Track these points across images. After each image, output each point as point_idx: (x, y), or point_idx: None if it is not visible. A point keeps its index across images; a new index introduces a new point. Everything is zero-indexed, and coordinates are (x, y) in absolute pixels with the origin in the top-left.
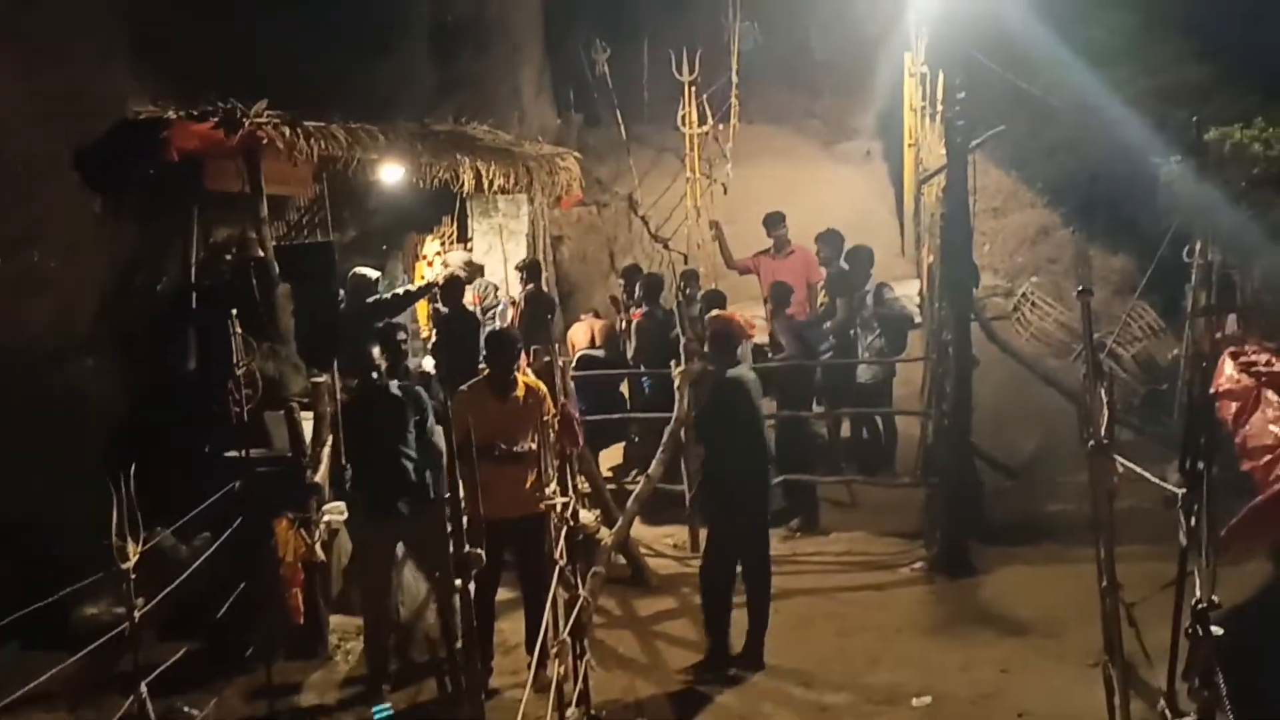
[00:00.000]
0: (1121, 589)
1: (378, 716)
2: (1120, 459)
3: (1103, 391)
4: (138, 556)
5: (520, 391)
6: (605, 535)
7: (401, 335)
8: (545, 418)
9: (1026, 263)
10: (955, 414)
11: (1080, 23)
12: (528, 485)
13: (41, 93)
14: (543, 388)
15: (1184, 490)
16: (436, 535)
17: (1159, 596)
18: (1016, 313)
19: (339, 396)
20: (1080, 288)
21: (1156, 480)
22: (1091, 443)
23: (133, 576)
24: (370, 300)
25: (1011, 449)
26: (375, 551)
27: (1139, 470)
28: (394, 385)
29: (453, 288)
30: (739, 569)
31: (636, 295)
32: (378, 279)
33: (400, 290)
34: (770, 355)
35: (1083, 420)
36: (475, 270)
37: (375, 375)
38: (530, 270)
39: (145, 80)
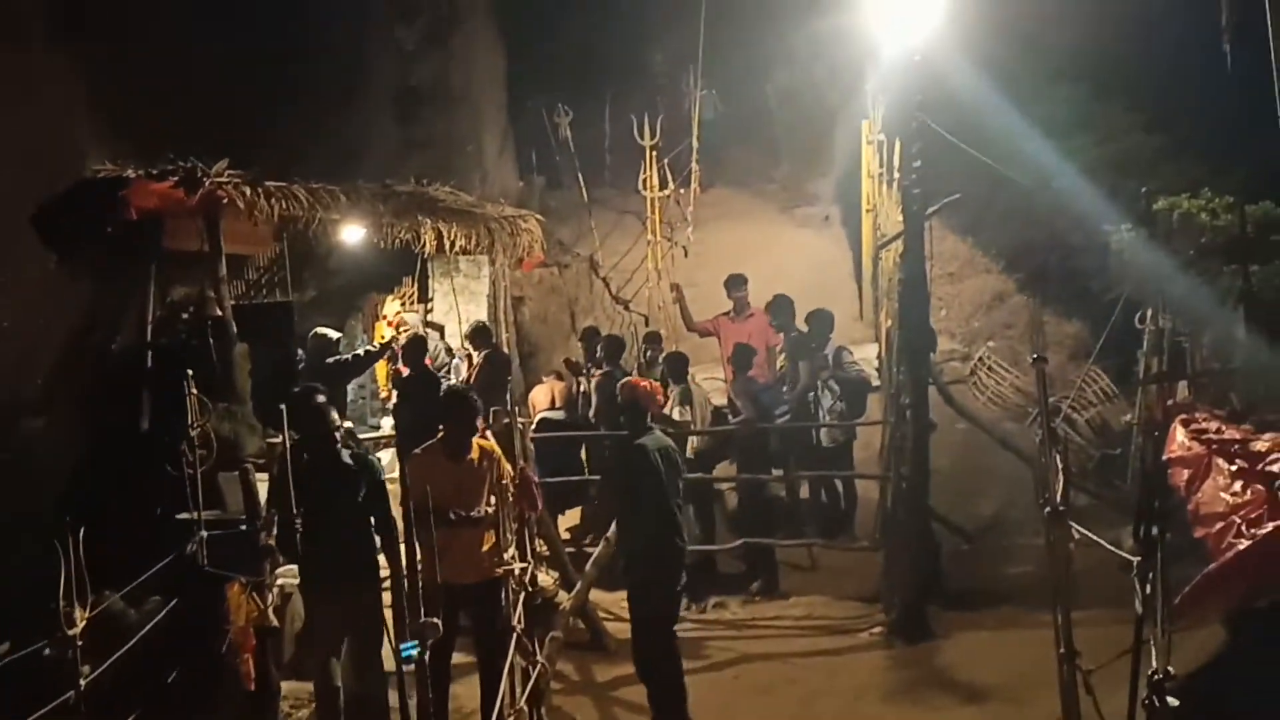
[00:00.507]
0: (1079, 656)
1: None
2: (1076, 525)
3: (1058, 457)
4: (85, 622)
5: (475, 454)
6: (564, 599)
7: (321, 398)
8: (502, 480)
9: (982, 327)
10: (913, 477)
11: (1034, 93)
12: (484, 549)
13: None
14: (497, 449)
15: (1139, 558)
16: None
17: (1116, 663)
18: (973, 377)
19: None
20: (1035, 354)
21: (1111, 547)
22: (1048, 508)
23: (79, 643)
24: (330, 361)
25: (969, 512)
26: (324, 621)
27: (1094, 537)
28: (346, 454)
29: (414, 348)
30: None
31: (596, 356)
32: (338, 339)
33: (360, 351)
34: (730, 418)
35: (1039, 484)
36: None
37: (325, 440)
38: (478, 335)
39: (105, 139)
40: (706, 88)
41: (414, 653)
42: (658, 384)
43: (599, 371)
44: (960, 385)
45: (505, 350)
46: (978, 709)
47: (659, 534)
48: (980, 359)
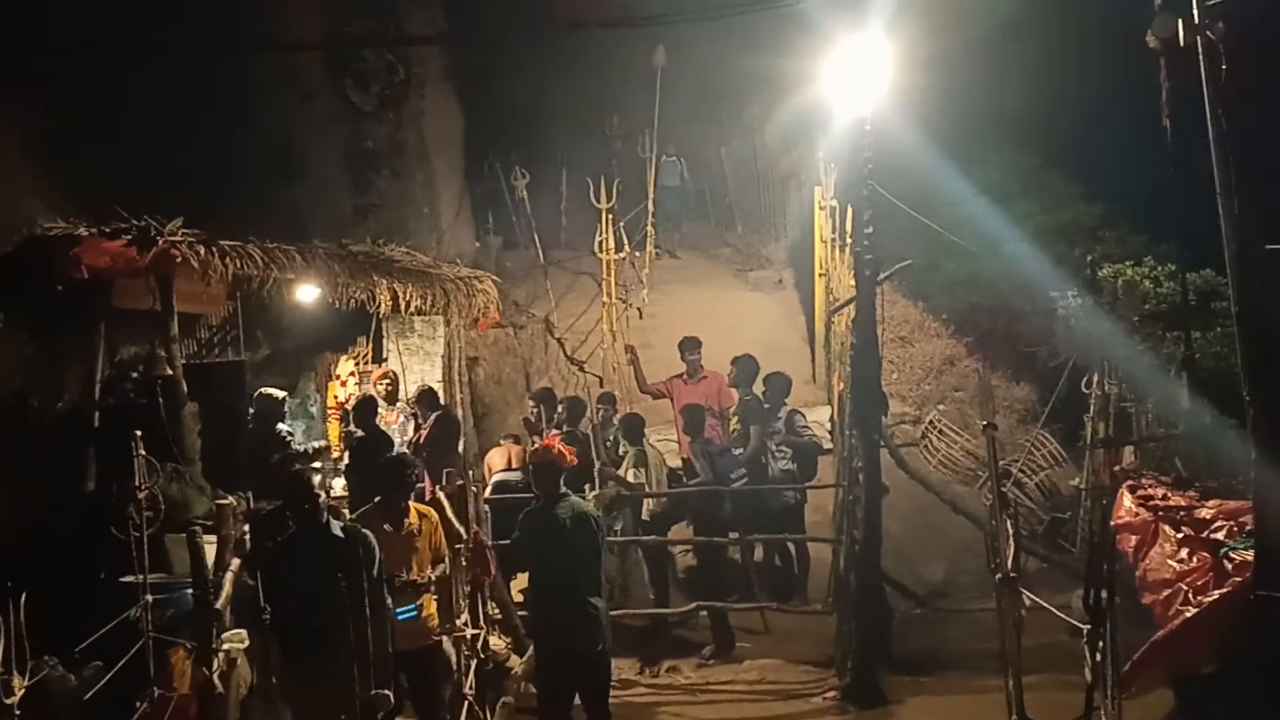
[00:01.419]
0: None
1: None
2: (1026, 592)
3: (1009, 522)
4: (23, 690)
5: (413, 519)
6: (515, 663)
7: (302, 467)
8: (442, 545)
9: (933, 391)
10: (866, 540)
11: (981, 160)
12: (421, 616)
13: None
14: (433, 514)
15: (1088, 626)
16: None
17: None
18: (924, 440)
19: (250, 521)
20: (985, 421)
21: (1062, 614)
22: (999, 574)
23: (17, 713)
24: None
25: (919, 576)
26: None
27: (1044, 604)
28: (336, 526)
29: (365, 409)
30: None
31: (555, 418)
32: (284, 399)
33: (310, 447)
34: (685, 480)
35: (990, 548)
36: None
37: (311, 510)
38: (425, 399)
39: (55, 199)
40: (671, 154)
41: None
42: (571, 448)
43: (557, 432)
44: (911, 448)
45: (457, 412)
46: None
47: (566, 594)
48: (931, 422)
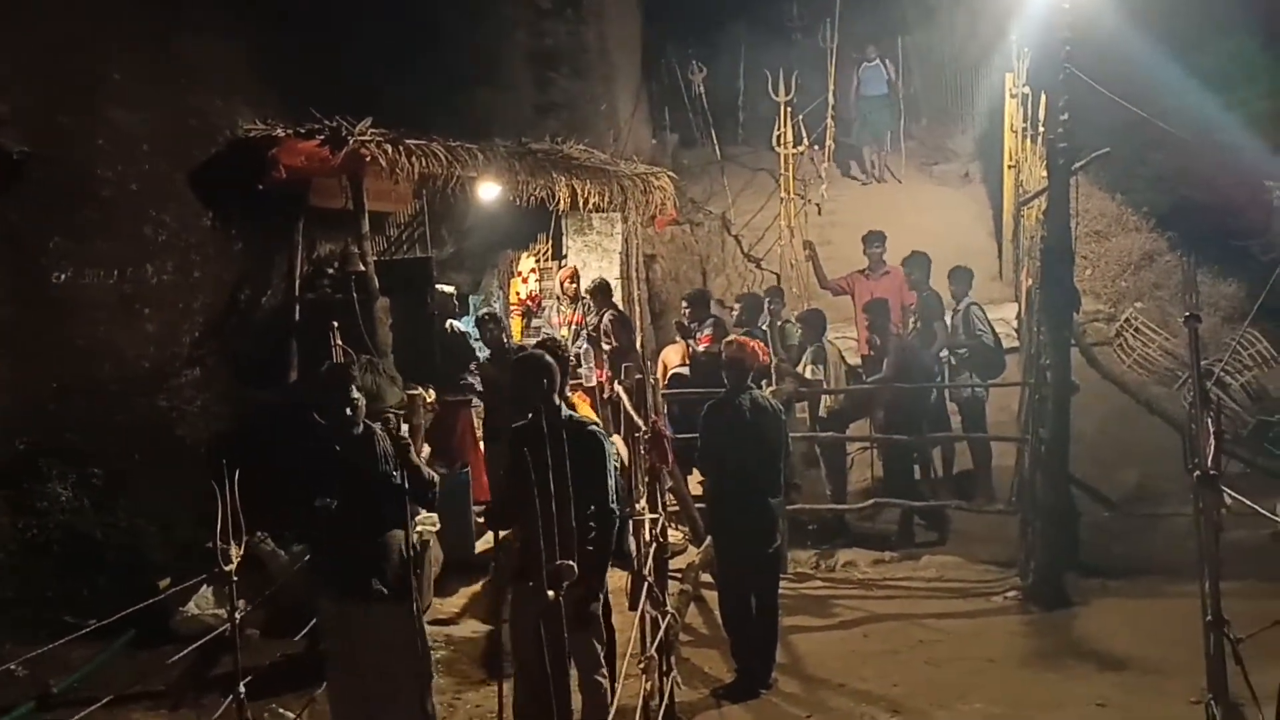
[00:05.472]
0: (1227, 625)
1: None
2: (1228, 490)
3: (1210, 420)
4: (239, 560)
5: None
6: (693, 554)
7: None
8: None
9: (1130, 288)
10: (1053, 441)
11: (1195, 45)
12: None
13: (160, 118)
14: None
15: None
16: None
17: (1267, 634)
18: (1119, 339)
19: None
20: (1188, 313)
21: (1266, 514)
22: (1198, 473)
23: (235, 579)
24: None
25: (1112, 480)
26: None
27: (1248, 503)
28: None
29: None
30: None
31: (707, 318)
32: (452, 294)
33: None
34: (865, 376)
35: (1189, 451)
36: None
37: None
38: (599, 292)
39: (254, 100)
40: (873, 57)
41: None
42: (764, 345)
43: (706, 334)
44: (1105, 347)
45: (634, 308)
46: (1117, 677)
47: (755, 487)
48: (1126, 320)
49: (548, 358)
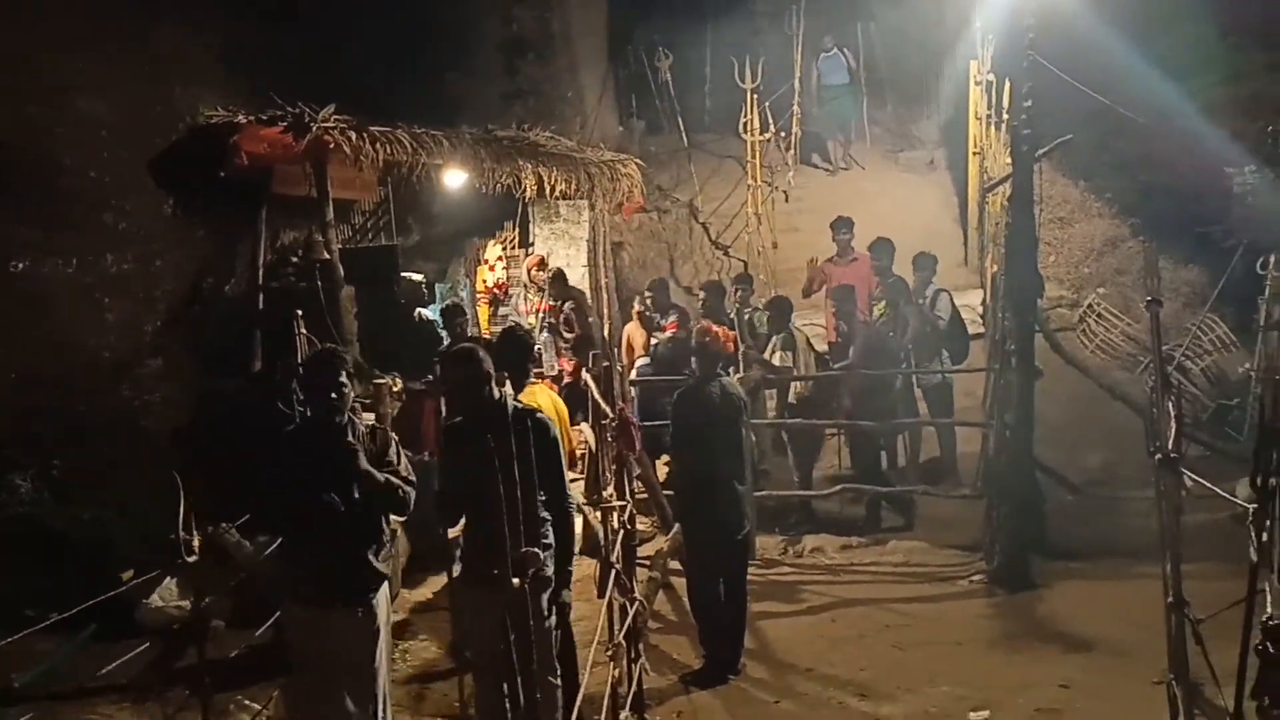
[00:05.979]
0: (1188, 606)
1: None
2: (1188, 473)
3: (1170, 404)
4: (200, 551)
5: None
6: (661, 540)
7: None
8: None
9: (1092, 274)
10: (1018, 427)
11: (1155, 33)
12: None
13: (120, 105)
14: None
15: (1255, 505)
16: None
17: (1227, 615)
18: (1082, 324)
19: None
20: (1149, 298)
21: (1226, 495)
22: (1159, 456)
23: (197, 570)
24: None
25: (1075, 464)
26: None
27: (1208, 485)
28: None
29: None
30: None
31: (669, 307)
32: (420, 282)
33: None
34: (831, 363)
35: (1150, 435)
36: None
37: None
38: (557, 281)
39: (216, 86)
40: (830, 47)
41: None
42: (732, 332)
43: (670, 322)
44: (1068, 333)
45: (601, 295)
46: (1082, 658)
47: (708, 478)
48: (1089, 306)
49: (479, 350)
